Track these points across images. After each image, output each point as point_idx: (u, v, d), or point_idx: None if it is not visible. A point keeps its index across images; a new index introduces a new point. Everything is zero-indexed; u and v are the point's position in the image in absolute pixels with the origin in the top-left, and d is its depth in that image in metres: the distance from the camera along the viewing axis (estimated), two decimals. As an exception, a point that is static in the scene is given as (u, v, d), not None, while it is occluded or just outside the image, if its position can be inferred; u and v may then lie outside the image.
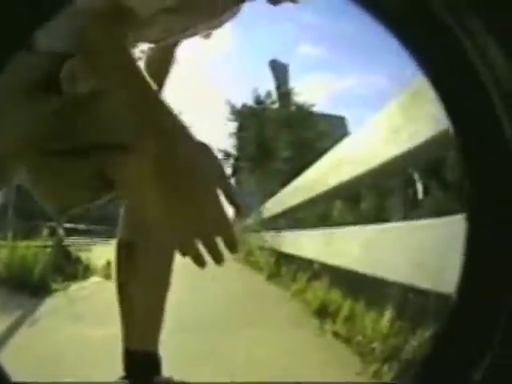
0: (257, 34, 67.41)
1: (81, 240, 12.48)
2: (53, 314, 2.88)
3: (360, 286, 2.61)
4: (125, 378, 1.32)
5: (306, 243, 3.81)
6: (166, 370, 1.34)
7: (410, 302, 2.04)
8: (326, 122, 30.98)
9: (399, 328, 2.02)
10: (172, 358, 1.40)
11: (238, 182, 24.64)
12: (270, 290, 4.34)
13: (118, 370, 1.33)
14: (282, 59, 40.55)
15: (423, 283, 1.51)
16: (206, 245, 0.87)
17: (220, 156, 24.20)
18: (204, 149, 0.90)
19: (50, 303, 3.38)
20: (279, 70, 38.28)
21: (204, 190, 0.87)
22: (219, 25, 1.29)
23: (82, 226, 16.28)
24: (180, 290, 1.93)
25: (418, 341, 1.79)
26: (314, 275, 3.57)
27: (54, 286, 4.16)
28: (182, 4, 1.05)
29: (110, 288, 3.85)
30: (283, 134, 23.73)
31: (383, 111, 2.06)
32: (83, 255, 5.77)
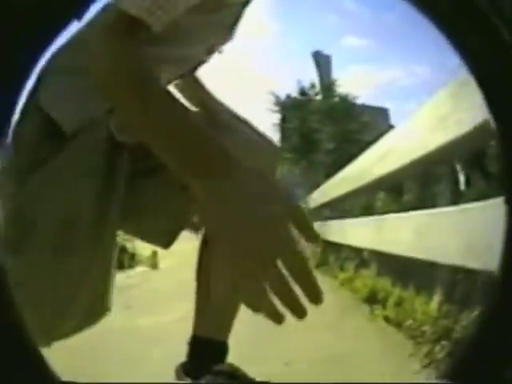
0: (299, 25, 66.80)
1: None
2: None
3: (408, 272, 2.66)
4: (186, 363, 1.38)
5: (354, 232, 3.86)
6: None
7: (457, 284, 2.09)
8: (369, 113, 30.63)
9: (448, 310, 2.08)
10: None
11: (281, 173, 24.75)
12: (319, 279, 4.41)
13: (168, 358, 1.42)
14: (326, 50, 39.75)
15: (473, 263, 1.57)
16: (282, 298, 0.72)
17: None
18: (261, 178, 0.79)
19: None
20: (322, 62, 37.97)
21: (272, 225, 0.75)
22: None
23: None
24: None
25: (467, 321, 1.85)
26: (362, 263, 3.63)
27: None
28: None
29: (157, 277, 3.98)
30: (326, 125, 23.61)
31: (431, 100, 2.09)
32: (128, 245, 5.89)
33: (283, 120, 25.51)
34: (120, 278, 4.10)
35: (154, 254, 5.45)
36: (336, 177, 5.17)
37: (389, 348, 2.08)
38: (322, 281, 4.23)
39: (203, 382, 1.30)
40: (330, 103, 24.91)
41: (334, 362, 1.87)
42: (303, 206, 9.09)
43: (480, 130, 1.56)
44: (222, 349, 1.39)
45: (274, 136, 26.17)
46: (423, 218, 2.23)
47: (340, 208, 5.36)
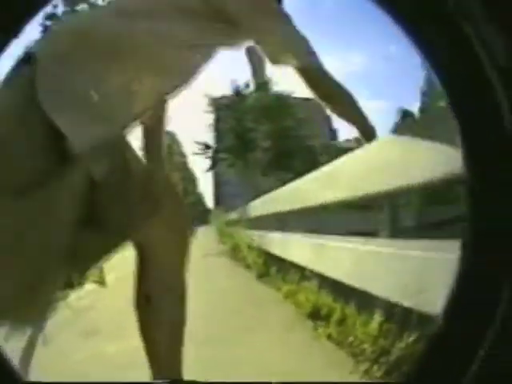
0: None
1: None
2: (64, 330, 2.92)
3: (349, 290, 2.86)
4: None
5: (296, 248, 4.08)
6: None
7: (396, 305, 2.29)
8: (305, 107, 31.03)
9: (387, 330, 2.27)
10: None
11: (217, 173, 24.79)
12: (261, 290, 4.61)
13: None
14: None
15: (407, 302, 1.77)
16: None
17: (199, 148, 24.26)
18: None
19: (56, 317, 3.44)
20: (255, 58, 38.25)
21: None
22: None
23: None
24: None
25: (405, 343, 2.05)
26: (304, 277, 3.81)
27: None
28: None
29: (108, 296, 3.95)
30: (261, 124, 23.85)
31: (376, 144, 2.09)
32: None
33: (217, 120, 25.74)
34: (73, 301, 4.07)
35: (100, 270, 5.24)
36: (280, 190, 5.35)
37: (331, 365, 2.26)
38: (266, 292, 4.41)
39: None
40: (264, 101, 25.23)
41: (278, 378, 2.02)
42: (243, 211, 9.29)
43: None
44: None
45: (209, 137, 26.41)
46: (362, 247, 2.43)
47: (283, 220, 5.51)
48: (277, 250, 4.94)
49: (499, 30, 0.90)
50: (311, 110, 35.15)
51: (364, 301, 2.58)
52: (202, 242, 9.77)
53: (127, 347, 2.42)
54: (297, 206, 4.24)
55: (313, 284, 3.53)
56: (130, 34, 1.31)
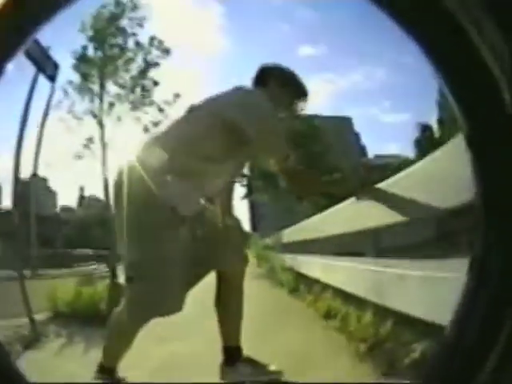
0: (253, 39, 67.51)
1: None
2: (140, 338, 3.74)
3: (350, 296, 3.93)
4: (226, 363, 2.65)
5: (313, 266, 5.25)
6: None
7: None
8: (334, 126, 31.42)
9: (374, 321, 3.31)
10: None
11: (252, 200, 25.66)
12: (292, 303, 5.75)
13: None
14: (282, 62, 40.97)
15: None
16: None
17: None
18: None
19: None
20: None
21: None
22: None
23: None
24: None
25: (386, 329, 3.04)
26: (323, 289, 4.91)
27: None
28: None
29: None
30: (291, 149, 24.54)
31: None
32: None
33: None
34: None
35: None
36: (311, 220, 6.31)
37: (334, 345, 3.35)
38: (295, 303, 5.53)
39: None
40: (293, 127, 25.94)
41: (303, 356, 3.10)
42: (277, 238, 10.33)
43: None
44: (241, 351, 2.69)
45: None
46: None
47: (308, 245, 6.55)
48: (302, 269, 6.12)
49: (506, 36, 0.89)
50: (339, 129, 35.42)
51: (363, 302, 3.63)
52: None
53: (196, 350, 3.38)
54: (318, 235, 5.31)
55: (329, 294, 4.63)
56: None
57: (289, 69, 2.86)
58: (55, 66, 6.00)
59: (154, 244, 2.24)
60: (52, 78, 6.09)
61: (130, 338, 2.36)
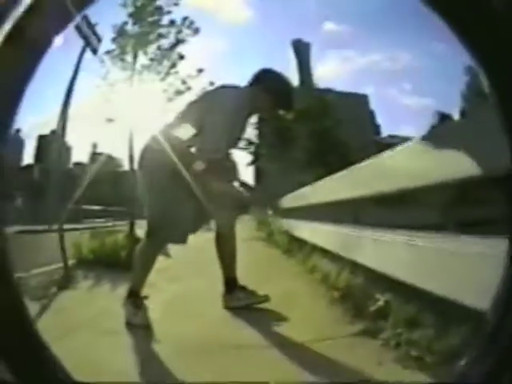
0: (277, 13, 67.36)
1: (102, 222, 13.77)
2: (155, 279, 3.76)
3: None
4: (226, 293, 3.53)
5: (303, 230, 6.05)
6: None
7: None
8: (348, 103, 31.45)
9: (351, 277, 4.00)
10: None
11: (258, 167, 26.22)
12: (284, 260, 6.60)
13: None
14: (305, 38, 40.15)
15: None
16: None
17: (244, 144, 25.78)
18: None
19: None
20: (302, 50, 38.20)
21: None
22: None
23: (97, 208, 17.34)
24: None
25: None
26: (312, 250, 5.65)
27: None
28: None
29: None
30: (302, 124, 24.98)
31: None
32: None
33: (261, 119, 26.91)
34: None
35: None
36: (309, 186, 6.66)
37: (315, 293, 4.07)
38: (286, 261, 6.34)
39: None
40: (305, 102, 26.15)
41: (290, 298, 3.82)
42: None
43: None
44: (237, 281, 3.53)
45: (252, 134, 27.97)
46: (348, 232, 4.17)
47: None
48: (297, 233, 6.95)
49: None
50: (353, 105, 35.24)
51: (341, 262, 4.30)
52: (243, 229, 11.76)
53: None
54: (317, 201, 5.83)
55: (316, 254, 5.37)
56: None
57: (284, 79, 3.54)
58: (99, 40, 6.75)
59: (170, 198, 3.19)
60: (95, 51, 6.82)
61: (150, 264, 3.27)
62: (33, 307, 3.28)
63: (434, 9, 1.03)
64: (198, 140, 3.18)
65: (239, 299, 3.55)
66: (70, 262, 5.42)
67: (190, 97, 10.42)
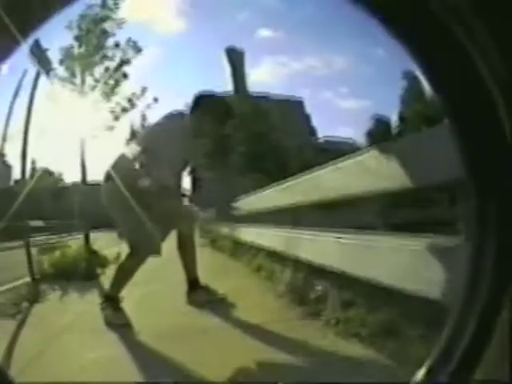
0: (214, 23, 68.07)
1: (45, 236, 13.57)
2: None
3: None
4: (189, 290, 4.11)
5: (249, 234, 6.68)
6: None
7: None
8: (283, 108, 31.80)
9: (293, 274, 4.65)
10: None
11: (196, 178, 26.56)
12: (230, 261, 7.29)
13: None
14: (239, 45, 41.37)
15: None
16: None
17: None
18: None
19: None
20: (235, 58, 38.09)
21: None
22: None
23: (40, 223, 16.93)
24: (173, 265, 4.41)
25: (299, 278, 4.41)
26: (256, 252, 6.29)
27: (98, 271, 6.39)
28: None
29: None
30: (238, 130, 25.44)
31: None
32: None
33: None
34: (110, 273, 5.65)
35: (118, 254, 6.62)
36: (254, 195, 7.19)
37: (263, 289, 4.68)
38: (233, 264, 6.97)
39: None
40: (240, 108, 26.74)
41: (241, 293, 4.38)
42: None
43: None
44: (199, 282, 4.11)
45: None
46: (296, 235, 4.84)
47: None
48: (242, 237, 7.59)
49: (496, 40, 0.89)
50: (288, 110, 35.54)
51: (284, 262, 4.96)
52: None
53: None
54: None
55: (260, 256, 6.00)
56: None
57: (219, 98, 4.17)
58: (49, 64, 7.23)
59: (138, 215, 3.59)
60: (48, 73, 7.25)
61: (131, 275, 3.78)
62: (9, 324, 3.64)
63: (374, 13, 1.02)
64: (143, 157, 3.62)
65: (201, 296, 4.12)
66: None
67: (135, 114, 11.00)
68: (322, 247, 3.69)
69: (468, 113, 0.98)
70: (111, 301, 3.71)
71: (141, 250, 3.73)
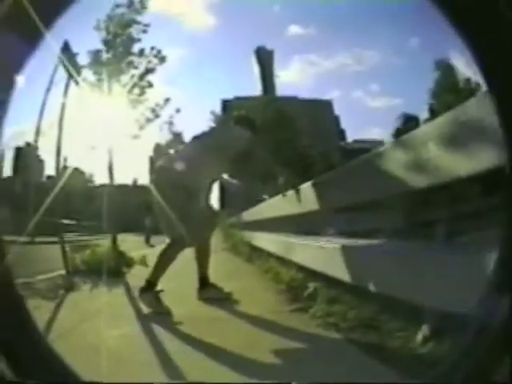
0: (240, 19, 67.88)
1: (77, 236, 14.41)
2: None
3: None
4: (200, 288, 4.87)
5: (261, 240, 7.42)
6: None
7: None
8: (312, 110, 31.62)
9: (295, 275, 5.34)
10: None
11: (222, 182, 27.05)
12: (246, 266, 8.05)
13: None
14: (268, 44, 39.80)
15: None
16: None
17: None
18: None
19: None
20: (264, 58, 38.02)
21: None
22: None
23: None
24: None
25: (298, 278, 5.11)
26: (268, 256, 7.02)
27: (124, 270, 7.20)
28: None
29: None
30: (262, 136, 25.69)
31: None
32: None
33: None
34: (134, 272, 7.03)
35: (144, 256, 7.71)
36: (268, 202, 7.75)
37: (267, 287, 5.39)
38: (247, 267, 7.77)
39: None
40: (265, 115, 26.93)
41: (249, 290, 5.09)
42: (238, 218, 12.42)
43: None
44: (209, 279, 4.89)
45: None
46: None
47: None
48: (257, 243, 8.37)
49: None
50: (316, 113, 35.01)
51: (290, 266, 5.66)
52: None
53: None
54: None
55: (272, 260, 6.73)
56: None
57: (241, 114, 5.22)
58: (79, 71, 7.85)
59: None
60: (77, 82, 7.77)
61: (170, 263, 4.56)
62: (48, 306, 4.36)
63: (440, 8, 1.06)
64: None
65: (210, 293, 4.84)
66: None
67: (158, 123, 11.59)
68: (308, 252, 4.51)
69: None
70: (151, 289, 4.42)
71: (181, 241, 4.46)
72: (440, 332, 2.59)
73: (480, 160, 2.02)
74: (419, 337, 2.76)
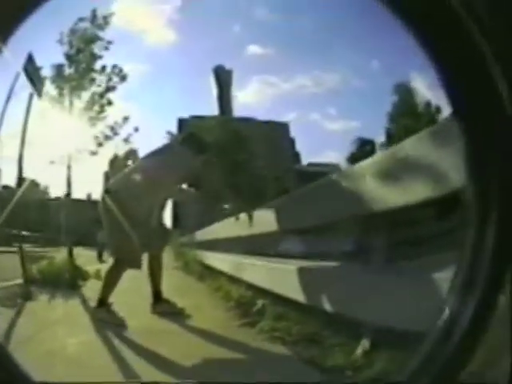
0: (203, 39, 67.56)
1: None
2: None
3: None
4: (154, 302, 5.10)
5: (213, 259, 7.69)
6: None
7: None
8: (266, 133, 32.25)
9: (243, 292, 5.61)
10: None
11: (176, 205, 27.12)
12: (197, 284, 8.22)
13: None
14: (227, 63, 39.97)
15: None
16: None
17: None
18: None
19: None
20: (223, 78, 38.39)
21: None
22: None
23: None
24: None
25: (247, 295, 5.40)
26: (219, 275, 7.28)
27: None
28: None
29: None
30: (217, 156, 25.91)
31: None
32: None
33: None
34: (89, 286, 7.19)
35: (98, 271, 7.37)
36: (219, 223, 8.34)
37: (217, 304, 5.65)
38: (199, 285, 7.97)
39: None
40: (219, 137, 27.11)
41: (200, 307, 5.35)
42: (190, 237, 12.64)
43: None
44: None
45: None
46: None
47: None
48: (209, 262, 8.64)
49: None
50: (272, 135, 35.71)
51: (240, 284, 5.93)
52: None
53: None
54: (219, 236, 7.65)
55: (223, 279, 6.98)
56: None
57: (194, 134, 5.51)
58: (42, 83, 7.96)
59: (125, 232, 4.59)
60: (40, 94, 7.95)
61: (116, 281, 4.75)
62: (8, 313, 4.58)
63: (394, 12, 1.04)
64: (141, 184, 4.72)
65: (163, 307, 5.05)
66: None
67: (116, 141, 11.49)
68: (257, 271, 4.83)
69: (475, 111, 1.02)
70: (103, 305, 4.65)
71: (123, 263, 4.71)
72: (378, 345, 2.80)
73: (414, 192, 2.35)
74: (359, 350, 2.94)
